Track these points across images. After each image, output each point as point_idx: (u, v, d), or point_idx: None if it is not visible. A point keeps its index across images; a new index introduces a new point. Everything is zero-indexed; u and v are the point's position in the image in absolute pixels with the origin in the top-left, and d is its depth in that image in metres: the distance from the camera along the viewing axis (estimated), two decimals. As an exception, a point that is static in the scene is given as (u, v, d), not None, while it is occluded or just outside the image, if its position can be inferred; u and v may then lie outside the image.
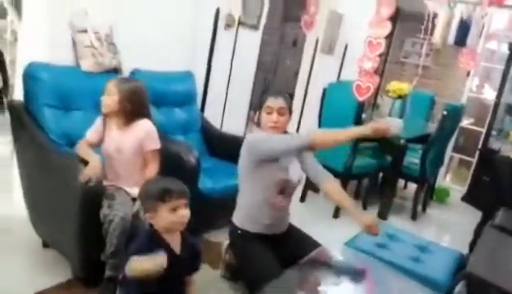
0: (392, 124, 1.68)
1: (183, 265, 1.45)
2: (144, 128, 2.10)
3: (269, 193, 1.88)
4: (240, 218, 1.96)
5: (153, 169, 2.10)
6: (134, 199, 2.04)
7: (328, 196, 1.93)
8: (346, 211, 1.93)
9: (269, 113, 1.88)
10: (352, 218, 1.85)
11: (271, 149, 1.81)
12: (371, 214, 3.56)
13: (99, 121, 2.15)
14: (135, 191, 2.01)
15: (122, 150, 2.09)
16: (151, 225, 1.45)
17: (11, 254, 2.25)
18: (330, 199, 1.92)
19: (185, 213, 1.42)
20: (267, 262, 1.81)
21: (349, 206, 1.89)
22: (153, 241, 1.41)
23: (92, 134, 2.13)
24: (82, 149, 2.08)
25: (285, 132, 1.96)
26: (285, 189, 1.91)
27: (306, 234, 2.04)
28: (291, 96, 4.68)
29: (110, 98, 2.06)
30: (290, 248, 1.94)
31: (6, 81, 4.09)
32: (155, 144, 2.12)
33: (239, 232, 1.94)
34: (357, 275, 1.80)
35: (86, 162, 1.98)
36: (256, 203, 1.91)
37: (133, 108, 2.09)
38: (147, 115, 2.15)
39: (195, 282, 1.56)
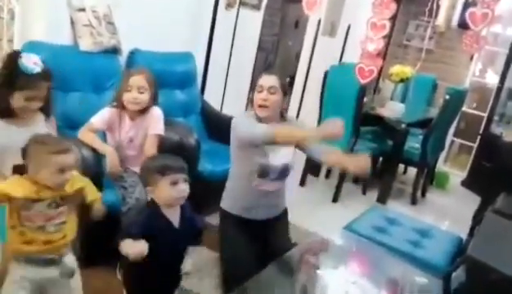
0: (338, 126, 1.68)
1: (181, 238, 1.49)
2: (153, 114, 2.10)
3: (248, 176, 1.86)
4: (223, 199, 1.97)
5: (151, 152, 2.06)
6: None
7: (329, 162, 2.00)
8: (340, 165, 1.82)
9: (259, 92, 1.83)
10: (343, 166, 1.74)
11: (243, 136, 1.80)
12: (371, 198, 3.59)
13: (112, 113, 2.07)
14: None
15: (135, 140, 2.09)
16: (153, 200, 1.48)
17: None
18: (331, 164, 1.91)
19: (184, 187, 1.45)
20: (240, 250, 1.80)
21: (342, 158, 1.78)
22: (152, 214, 1.45)
23: (100, 123, 2.05)
24: (88, 136, 2.02)
25: (283, 117, 1.92)
26: (265, 173, 1.85)
27: (287, 233, 1.97)
28: (292, 79, 4.65)
29: (145, 95, 2.02)
30: (268, 241, 1.90)
31: None
32: (159, 130, 2.11)
33: (222, 213, 1.96)
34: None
35: (89, 147, 1.96)
36: (237, 185, 1.92)
37: (154, 98, 2.09)
38: (157, 102, 2.14)
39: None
